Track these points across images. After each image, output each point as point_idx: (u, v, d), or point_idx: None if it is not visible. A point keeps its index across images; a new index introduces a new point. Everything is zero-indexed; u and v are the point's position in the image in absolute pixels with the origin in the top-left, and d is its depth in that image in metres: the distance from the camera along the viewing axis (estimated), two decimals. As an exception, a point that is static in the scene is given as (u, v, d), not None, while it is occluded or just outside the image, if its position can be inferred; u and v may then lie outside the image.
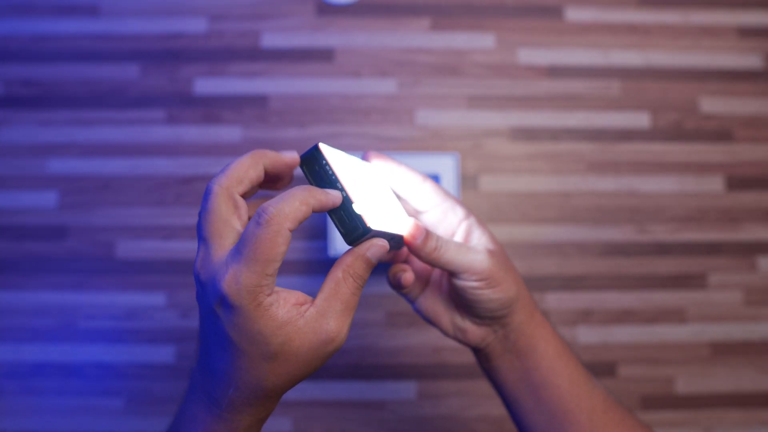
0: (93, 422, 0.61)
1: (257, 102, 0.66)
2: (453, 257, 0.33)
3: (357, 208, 0.29)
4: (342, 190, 0.29)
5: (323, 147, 0.30)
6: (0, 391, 0.61)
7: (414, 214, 0.39)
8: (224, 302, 0.26)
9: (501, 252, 0.35)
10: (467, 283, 0.33)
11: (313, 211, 0.28)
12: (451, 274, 0.34)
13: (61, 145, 0.65)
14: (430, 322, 0.38)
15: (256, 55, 0.67)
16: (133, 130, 0.65)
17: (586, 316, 0.64)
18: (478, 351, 0.37)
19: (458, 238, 0.36)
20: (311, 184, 0.30)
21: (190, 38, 0.67)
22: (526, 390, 0.36)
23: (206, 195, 0.28)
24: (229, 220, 0.27)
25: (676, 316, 0.64)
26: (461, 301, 0.36)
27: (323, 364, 0.30)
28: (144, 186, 0.64)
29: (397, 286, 0.37)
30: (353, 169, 0.32)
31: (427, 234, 0.32)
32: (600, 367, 0.63)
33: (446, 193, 0.37)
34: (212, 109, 0.66)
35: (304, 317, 0.27)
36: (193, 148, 0.65)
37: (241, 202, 0.29)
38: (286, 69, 0.67)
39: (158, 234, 0.64)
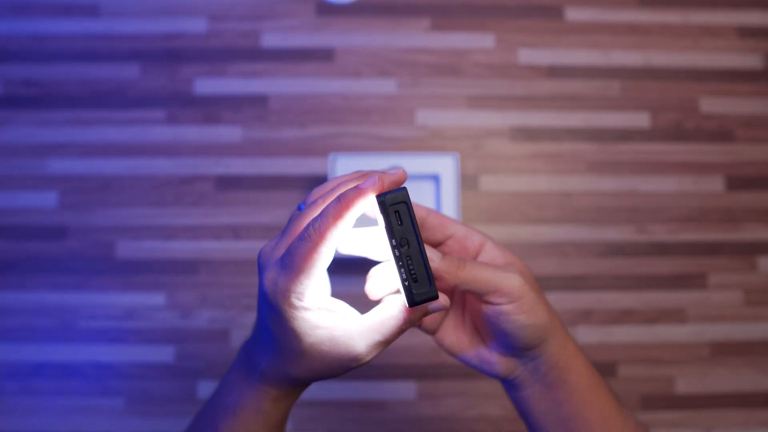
0: (93, 422, 0.61)
1: (257, 102, 0.66)
2: (480, 274, 0.31)
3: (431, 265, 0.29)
4: (418, 240, 0.28)
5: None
6: (0, 391, 0.61)
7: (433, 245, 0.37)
8: (265, 296, 0.29)
9: (530, 276, 0.34)
10: (498, 308, 0.32)
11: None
12: (481, 296, 0.32)
13: (61, 145, 0.65)
14: (452, 353, 0.36)
15: (256, 55, 0.67)
16: (133, 130, 0.65)
17: (586, 316, 0.64)
18: (506, 381, 0.36)
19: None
20: (387, 224, 0.28)
21: (190, 38, 0.67)
22: (554, 422, 0.35)
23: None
24: None
25: (676, 316, 0.64)
26: (489, 332, 0.34)
27: (343, 374, 0.32)
28: (144, 186, 0.64)
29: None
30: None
31: (451, 257, 0.32)
32: (600, 367, 0.63)
33: (454, 220, 0.35)
34: (212, 109, 0.66)
35: (345, 330, 0.30)
36: (193, 148, 0.65)
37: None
38: (286, 69, 0.67)
39: (158, 234, 0.64)
